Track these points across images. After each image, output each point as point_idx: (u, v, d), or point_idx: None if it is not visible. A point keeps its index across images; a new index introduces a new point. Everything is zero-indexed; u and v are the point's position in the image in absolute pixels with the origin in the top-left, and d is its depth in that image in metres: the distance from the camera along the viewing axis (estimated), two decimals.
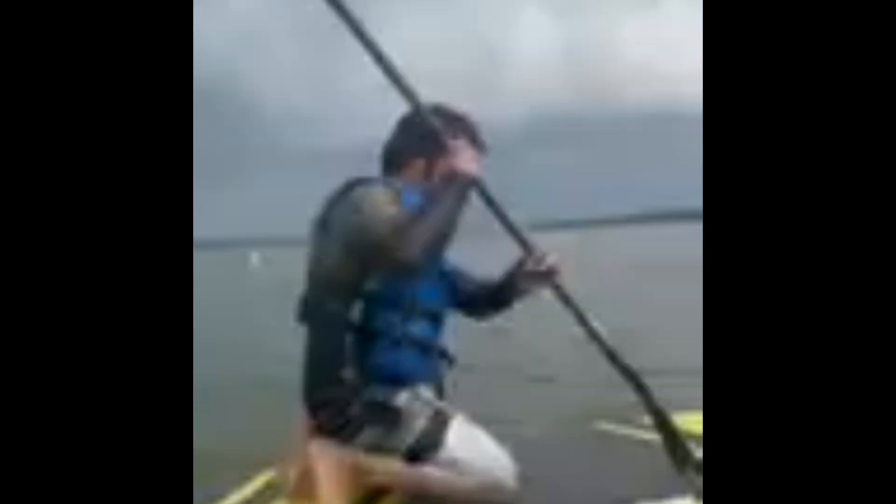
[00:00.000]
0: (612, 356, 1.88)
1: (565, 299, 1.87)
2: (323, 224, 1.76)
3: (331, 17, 1.57)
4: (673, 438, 1.89)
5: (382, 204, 1.65)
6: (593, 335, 1.87)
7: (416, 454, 1.69)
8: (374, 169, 1.84)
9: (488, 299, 1.99)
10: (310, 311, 1.77)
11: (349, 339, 1.69)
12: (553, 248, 1.90)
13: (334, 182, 1.78)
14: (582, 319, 1.87)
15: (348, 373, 1.69)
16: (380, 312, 1.70)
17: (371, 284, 1.68)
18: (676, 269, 12.03)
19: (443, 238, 1.62)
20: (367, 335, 1.70)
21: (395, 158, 1.84)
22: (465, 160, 1.67)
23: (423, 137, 1.75)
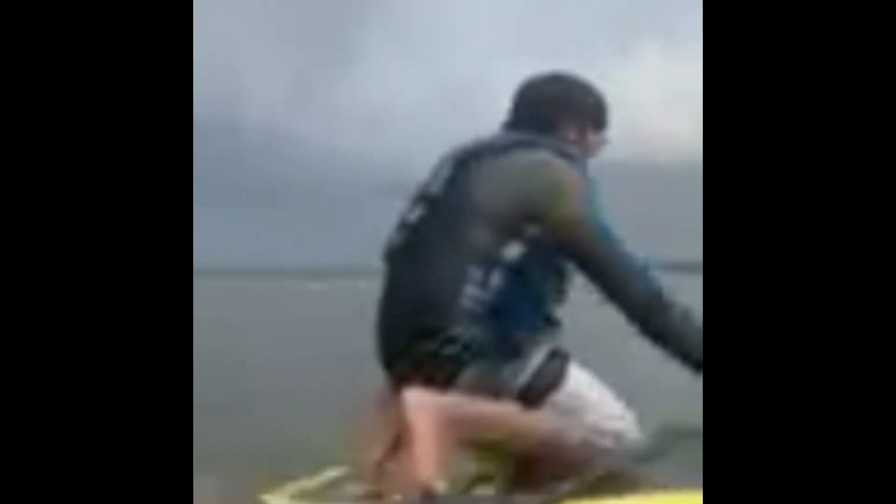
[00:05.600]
0: None
1: None
2: (477, 158, 1.75)
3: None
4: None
5: (582, 204, 1.68)
6: None
7: (532, 394, 1.58)
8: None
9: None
10: (423, 240, 1.72)
11: (482, 270, 1.64)
12: None
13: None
14: None
15: (466, 302, 1.62)
16: (538, 267, 1.68)
17: (536, 236, 1.67)
18: None
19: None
20: (519, 279, 1.66)
21: (546, 116, 1.83)
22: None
23: (578, 107, 1.83)
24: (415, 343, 1.64)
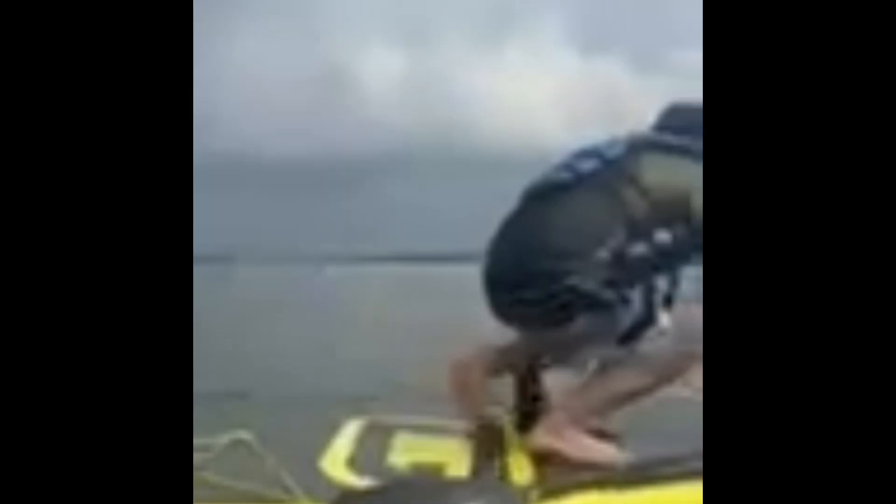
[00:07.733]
0: None
1: None
2: (654, 148, 1.87)
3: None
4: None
5: None
6: None
7: (631, 334, 1.73)
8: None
9: None
10: (585, 189, 1.82)
11: (625, 238, 1.74)
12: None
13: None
14: None
15: (599, 258, 1.71)
16: (665, 265, 1.79)
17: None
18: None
19: None
20: (651, 263, 1.77)
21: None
22: None
23: None
24: (535, 281, 1.74)
